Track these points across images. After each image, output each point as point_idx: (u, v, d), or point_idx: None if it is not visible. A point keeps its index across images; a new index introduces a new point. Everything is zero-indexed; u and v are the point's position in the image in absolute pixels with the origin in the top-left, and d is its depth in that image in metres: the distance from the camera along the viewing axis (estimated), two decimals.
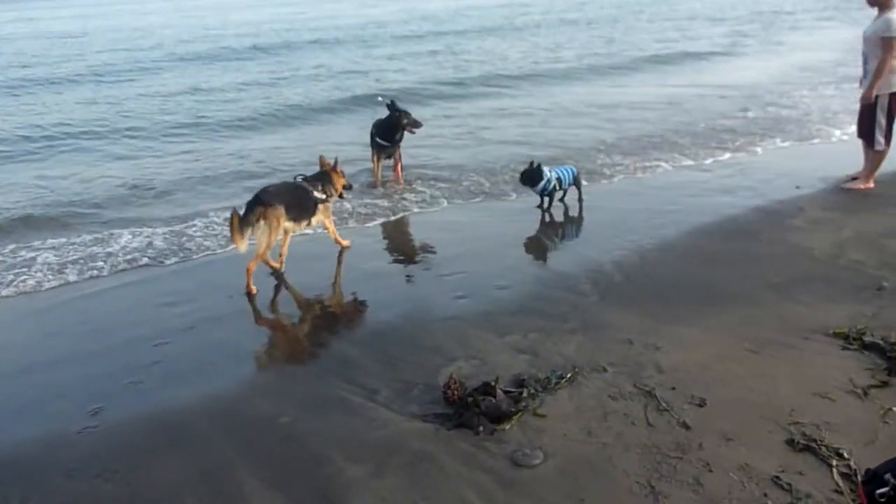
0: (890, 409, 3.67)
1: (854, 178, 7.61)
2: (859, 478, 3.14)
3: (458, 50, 20.87)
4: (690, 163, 8.87)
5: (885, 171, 7.55)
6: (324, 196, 6.11)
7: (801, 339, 4.44)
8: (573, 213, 7.37)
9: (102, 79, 17.98)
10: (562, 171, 7.27)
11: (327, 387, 4.19)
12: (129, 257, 6.41)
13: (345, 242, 6.45)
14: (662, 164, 8.83)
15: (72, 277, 6.05)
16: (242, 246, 5.55)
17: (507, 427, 3.67)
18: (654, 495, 3.15)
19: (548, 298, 5.23)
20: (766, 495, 3.12)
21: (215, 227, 7.10)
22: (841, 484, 3.16)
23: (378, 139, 8.23)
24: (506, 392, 3.89)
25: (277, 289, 5.82)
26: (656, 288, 5.35)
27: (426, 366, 4.33)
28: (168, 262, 6.34)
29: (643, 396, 3.90)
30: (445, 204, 7.71)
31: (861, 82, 7.44)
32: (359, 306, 5.47)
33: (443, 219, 7.33)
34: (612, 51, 19.47)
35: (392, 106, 8.21)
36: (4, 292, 5.85)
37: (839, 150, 9.16)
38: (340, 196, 6.41)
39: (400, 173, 8.46)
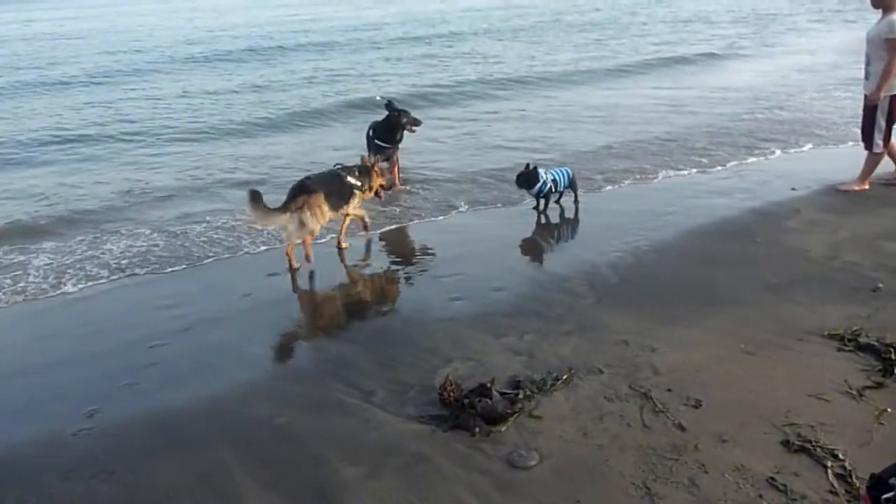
0: (885, 411, 3.68)
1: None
2: (855, 479, 3.17)
3: (453, 53, 20.87)
4: (687, 166, 8.88)
5: (880, 174, 7.56)
6: (359, 184, 6.36)
7: (797, 340, 4.46)
8: (569, 214, 7.39)
9: (95, 80, 17.95)
10: (558, 173, 7.28)
11: (324, 388, 4.20)
12: (124, 261, 6.40)
13: (344, 244, 6.55)
14: (658, 166, 8.82)
15: (67, 280, 6.04)
16: (277, 224, 5.86)
17: (503, 429, 3.68)
18: (650, 497, 3.16)
19: (544, 300, 5.24)
20: (761, 496, 3.13)
21: (210, 230, 7.09)
22: (836, 485, 3.16)
23: (377, 141, 8.16)
24: (502, 394, 3.89)
25: (278, 289, 5.82)
26: (652, 289, 5.36)
27: (422, 367, 4.34)
28: (164, 265, 6.32)
29: (639, 398, 3.90)
30: (445, 207, 7.70)
31: (864, 84, 7.44)
32: (359, 306, 5.48)
33: (439, 221, 7.32)
34: (609, 53, 19.47)
35: (390, 105, 8.19)
36: (0, 295, 5.84)
37: (834, 152, 9.20)
38: (376, 194, 6.66)
39: (398, 176, 8.43)
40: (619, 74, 16.41)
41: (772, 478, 3.23)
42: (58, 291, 5.86)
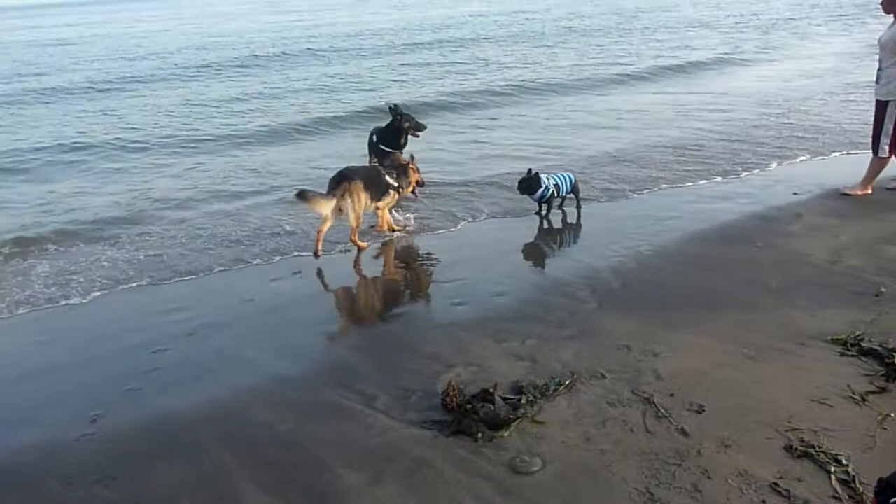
0: (888, 415, 3.67)
1: None
2: (858, 484, 3.16)
3: (456, 59, 20.91)
4: (691, 171, 8.87)
5: (883, 178, 7.55)
6: (396, 184, 6.69)
7: (799, 345, 4.45)
8: (571, 219, 7.39)
9: (97, 88, 18.01)
10: (560, 178, 7.28)
11: (326, 393, 4.19)
12: (127, 268, 6.39)
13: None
14: (663, 172, 8.82)
15: (70, 288, 6.03)
16: (326, 209, 6.17)
17: (506, 434, 3.67)
18: (653, 502, 3.15)
19: (546, 305, 5.24)
20: (764, 502, 3.12)
21: (212, 237, 7.11)
22: (839, 490, 3.15)
23: (381, 146, 8.14)
24: (504, 399, 3.89)
25: (280, 295, 5.82)
26: (654, 294, 5.36)
27: (424, 372, 4.34)
28: (166, 272, 6.32)
29: (641, 403, 3.90)
30: (447, 213, 7.69)
31: (875, 88, 7.40)
32: (361, 312, 5.48)
33: (441, 226, 7.32)
34: (612, 60, 19.50)
35: (395, 110, 8.19)
36: (4, 303, 5.84)
37: (835, 157, 9.19)
38: (413, 191, 6.97)
39: None
40: (623, 80, 16.43)
41: (775, 483, 3.22)
42: (61, 298, 5.86)
